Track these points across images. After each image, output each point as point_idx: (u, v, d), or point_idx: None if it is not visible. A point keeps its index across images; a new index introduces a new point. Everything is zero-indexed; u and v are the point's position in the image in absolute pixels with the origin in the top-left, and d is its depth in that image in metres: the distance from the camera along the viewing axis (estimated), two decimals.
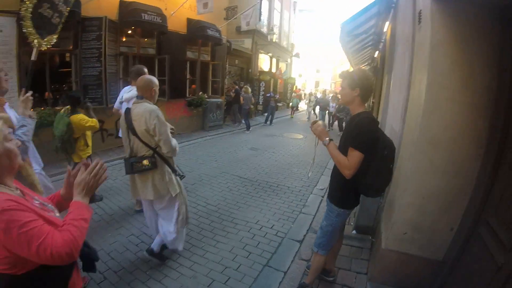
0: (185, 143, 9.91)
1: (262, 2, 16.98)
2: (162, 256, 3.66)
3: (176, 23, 10.80)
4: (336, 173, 2.72)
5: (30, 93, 2.77)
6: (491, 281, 2.13)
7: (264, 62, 21.00)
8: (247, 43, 17.39)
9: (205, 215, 4.94)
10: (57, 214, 1.63)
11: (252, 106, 15.52)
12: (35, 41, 3.38)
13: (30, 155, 2.67)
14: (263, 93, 18.93)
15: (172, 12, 10.25)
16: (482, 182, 2.54)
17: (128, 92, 4.68)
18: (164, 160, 3.24)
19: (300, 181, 6.89)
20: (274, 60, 22.50)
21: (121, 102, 4.80)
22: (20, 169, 2.59)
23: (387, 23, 6.82)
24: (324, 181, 6.76)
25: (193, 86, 12.91)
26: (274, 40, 20.28)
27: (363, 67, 16.08)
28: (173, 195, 3.30)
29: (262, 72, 19.88)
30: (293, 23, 25.87)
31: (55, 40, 3.38)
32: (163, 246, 3.64)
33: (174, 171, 3.40)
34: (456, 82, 2.46)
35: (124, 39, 9.58)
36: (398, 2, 5.46)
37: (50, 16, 3.45)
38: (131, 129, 3.12)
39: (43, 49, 3.24)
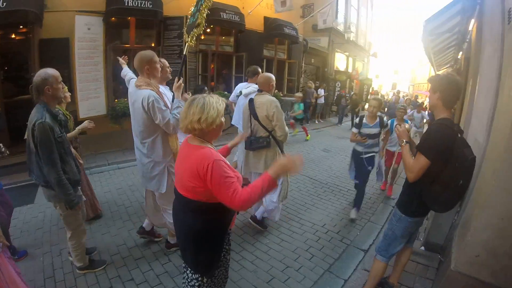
0: None
1: None
2: (263, 224, 4.47)
3: (253, 21, 11.04)
4: (406, 178, 2.66)
5: (182, 80, 3.41)
6: None
7: (340, 61, 20.47)
8: (323, 42, 17.10)
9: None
10: None
11: (313, 100, 15.24)
12: (186, 37, 3.85)
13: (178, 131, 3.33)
14: (338, 93, 18.42)
15: (249, 11, 10.52)
16: None
17: (246, 88, 5.41)
18: (276, 142, 3.98)
19: (371, 188, 6.62)
20: (350, 59, 21.84)
21: (237, 96, 5.70)
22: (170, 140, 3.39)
23: (472, 21, 6.21)
24: (396, 191, 6.39)
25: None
26: (351, 39, 19.69)
27: (444, 69, 14.98)
28: None
29: (338, 71, 19.42)
30: (371, 21, 24.83)
31: (198, 33, 3.82)
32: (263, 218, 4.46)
33: (282, 152, 4.09)
34: None
35: (203, 37, 10.04)
36: None
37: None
38: (253, 114, 3.92)
39: (191, 43, 3.77)
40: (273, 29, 11.74)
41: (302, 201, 5.62)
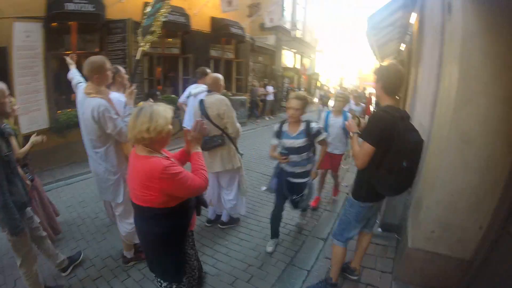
0: None
1: None
2: (234, 220, 4.58)
3: (200, 22, 10.92)
4: None
5: (134, 86, 3.35)
6: None
7: (288, 58, 20.83)
8: (270, 40, 17.30)
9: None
10: None
11: (258, 98, 15.42)
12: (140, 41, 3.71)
13: None
14: (286, 90, 18.76)
15: (195, 11, 10.35)
16: None
17: (195, 88, 5.55)
18: (230, 139, 4.04)
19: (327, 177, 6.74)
20: (298, 56, 22.30)
21: (187, 97, 5.75)
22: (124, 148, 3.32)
23: (414, 14, 6.61)
24: (350, 178, 6.59)
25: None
26: (297, 36, 20.11)
27: (388, 61, 15.70)
28: (235, 168, 4.15)
29: (286, 68, 19.76)
30: (317, 18, 25.51)
31: (152, 39, 3.66)
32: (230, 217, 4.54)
33: (236, 149, 4.19)
34: (488, 75, 2.34)
35: None
36: None
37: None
38: (204, 114, 3.88)
39: (144, 49, 3.64)
40: (220, 29, 11.69)
41: (258, 198, 5.63)
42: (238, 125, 4.06)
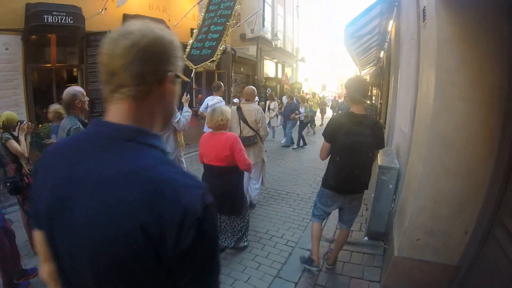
0: (193, 153, 9.75)
1: (265, 8, 16.99)
2: (253, 205, 5.41)
3: (180, 33, 10.78)
4: None
5: (188, 96, 4.97)
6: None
7: (269, 68, 20.94)
8: (251, 50, 17.35)
9: None
10: None
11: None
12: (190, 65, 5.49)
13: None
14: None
15: (175, 23, 10.29)
16: (496, 182, 2.43)
17: (211, 100, 6.63)
18: (260, 139, 5.14)
19: (310, 187, 6.76)
20: (279, 65, 22.44)
21: (206, 108, 6.57)
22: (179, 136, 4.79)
23: (391, 22, 6.71)
24: None
25: (199, 96, 12.87)
26: (278, 46, 20.25)
27: (369, 68, 15.92)
28: (265, 160, 5.36)
29: (268, 78, 19.82)
30: (297, 28, 25.78)
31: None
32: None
33: (263, 146, 5.37)
34: (465, 80, 2.36)
35: None
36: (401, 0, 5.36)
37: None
38: (242, 119, 4.93)
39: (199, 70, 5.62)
40: None
41: None
42: (268, 129, 5.44)
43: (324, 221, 3.89)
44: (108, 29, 7.94)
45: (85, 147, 0.85)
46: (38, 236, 0.90)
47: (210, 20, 5.86)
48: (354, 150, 2.87)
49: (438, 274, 2.83)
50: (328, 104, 21.07)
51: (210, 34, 5.70)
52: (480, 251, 2.51)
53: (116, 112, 0.85)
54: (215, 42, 5.53)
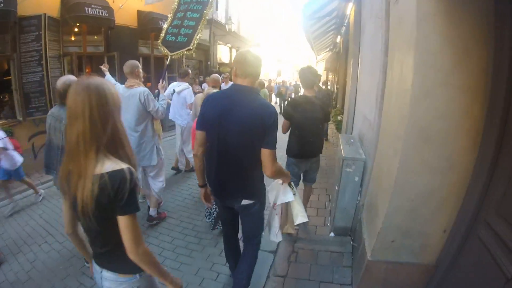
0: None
1: None
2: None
3: (126, 16, 9.89)
4: None
5: (164, 82, 5.00)
6: None
7: (223, 53, 20.25)
8: (204, 35, 16.52)
9: (165, 231, 4.28)
10: None
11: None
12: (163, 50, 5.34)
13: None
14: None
15: (120, 5, 9.33)
16: (479, 177, 2.17)
17: (178, 86, 6.53)
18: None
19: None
20: (234, 51, 21.81)
21: (171, 94, 6.50)
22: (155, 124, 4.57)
23: (350, 4, 6.43)
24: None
25: (148, 84, 11.97)
26: (233, 30, 19.62)
27: (325, 53, 15.85)
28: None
29: (222, 63, 19.15)
30: (253, 12, 25.21)
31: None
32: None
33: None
34: (448, 62, 2.03)
35: (68, 38, 8.56)
36: None
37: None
38: None
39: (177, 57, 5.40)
40: (148, 23, 10.60)
41: (197, 210, 4.89)
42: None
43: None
44: (43, 12, 6.99)
45: (235, 92, 2.34)
46: (200, 134, 2.43)
47: (186, 6, 5.46)
48: (309, 123, 3.74)
49: (415, 275, 2.61)
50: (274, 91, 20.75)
51: (186, 20, 5.33)
52: (461, 249, 2.29)
53: (244, 82, 2.31)
54: (191, 30, 5.20)
